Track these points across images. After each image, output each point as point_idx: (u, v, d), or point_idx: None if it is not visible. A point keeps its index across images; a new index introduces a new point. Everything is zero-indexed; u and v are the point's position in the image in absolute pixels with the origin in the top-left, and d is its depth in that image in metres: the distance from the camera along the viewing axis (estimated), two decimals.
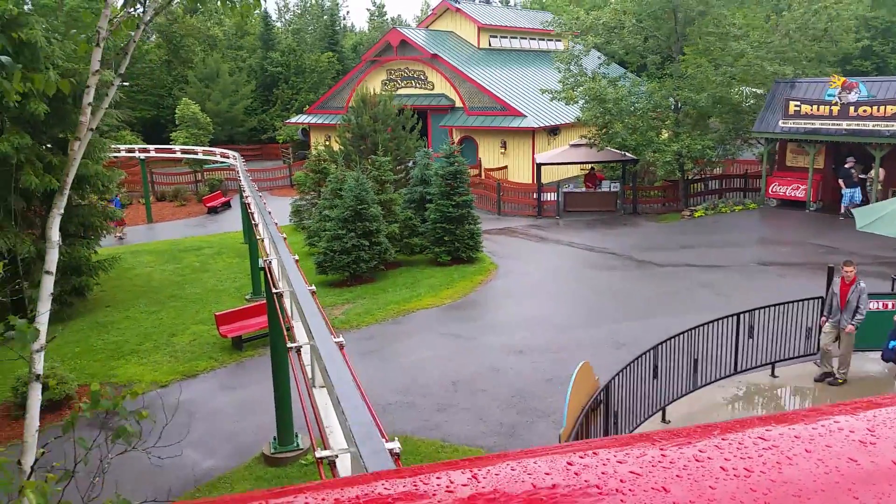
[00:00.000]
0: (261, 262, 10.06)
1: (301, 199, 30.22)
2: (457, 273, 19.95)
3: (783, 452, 0.89)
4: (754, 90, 29.81)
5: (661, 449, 0.88)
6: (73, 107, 18.64)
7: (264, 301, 15.59)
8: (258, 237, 12.68)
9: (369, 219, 19.48)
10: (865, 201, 22.88)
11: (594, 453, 0.87)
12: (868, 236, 21.38)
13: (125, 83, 56.84)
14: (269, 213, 13.34)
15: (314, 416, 4.64)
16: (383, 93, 28.72)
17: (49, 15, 50.17)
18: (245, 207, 19.12)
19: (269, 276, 9.93)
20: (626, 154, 28.40)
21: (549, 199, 30.43)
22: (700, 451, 0.88)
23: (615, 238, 23.98)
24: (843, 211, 23.16)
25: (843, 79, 23.12)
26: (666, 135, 28.20)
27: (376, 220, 19.62)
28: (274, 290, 9.20)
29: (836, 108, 23.00)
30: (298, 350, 6.01)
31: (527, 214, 30.39)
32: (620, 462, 0.84)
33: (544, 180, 30.38)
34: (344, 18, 77.82)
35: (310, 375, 5.41)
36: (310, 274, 19.77)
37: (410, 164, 27.96)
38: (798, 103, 24.11)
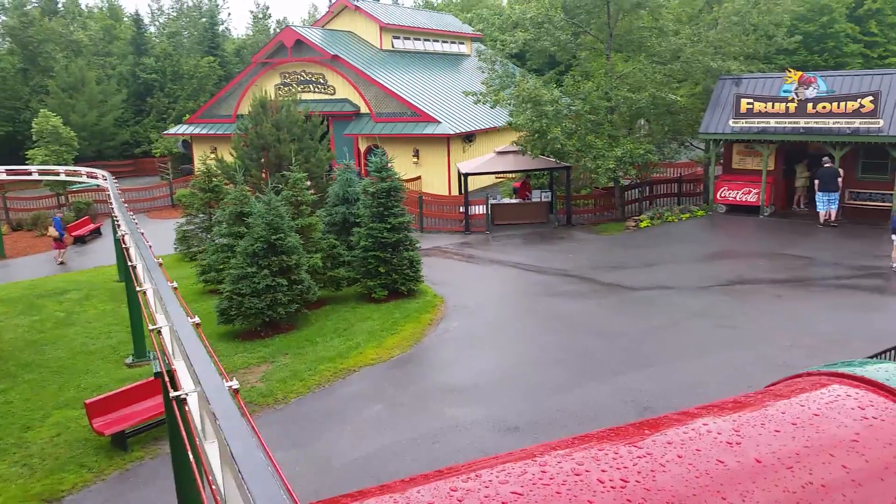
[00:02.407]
0: (156, 366, 6.28)
1: (188, 223, 25.67)
2: (398, 311, 16.39)
3: (657, 460, 0.92)
4: (689, 89, 28.08)
5: (542, 466, 0.89)
6: None
7: (155, 378, 11.53)
8: (137, 287, 8.97)
9: (286, 251, 15.60)
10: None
11: (476, 475, 0.86)
12: (844, 244, 19.70)
13: None
14: (151, 247, 9.46)
15: None
16: (286, 97, 24.69)
17: None
18: (119, 243, 14.85)
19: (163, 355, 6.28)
20: (559, 161, 25.81)
21: (476, 211, 27.42)
22: (578, 465, 0.89)
23: (562, 256, 21.17)
24: (825, 219, 21.28)
25: (801, 73, 21.41)
26: (597, 139, 25.82)
27: (295, 253, 15.76)
28: (172, 393, 5.53)
29: (792, 106, 21.22)
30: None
31: (453, 230, 27.24)
32: (503, 483, 0.84)
33: (458, 190, 27.34)
34: (224, 22, 72.23)
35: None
36: (209, 323, 15.68)
37: (322, 178, 24.16)
38: (750, 101, 22.24)
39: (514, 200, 28.35)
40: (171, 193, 36.74)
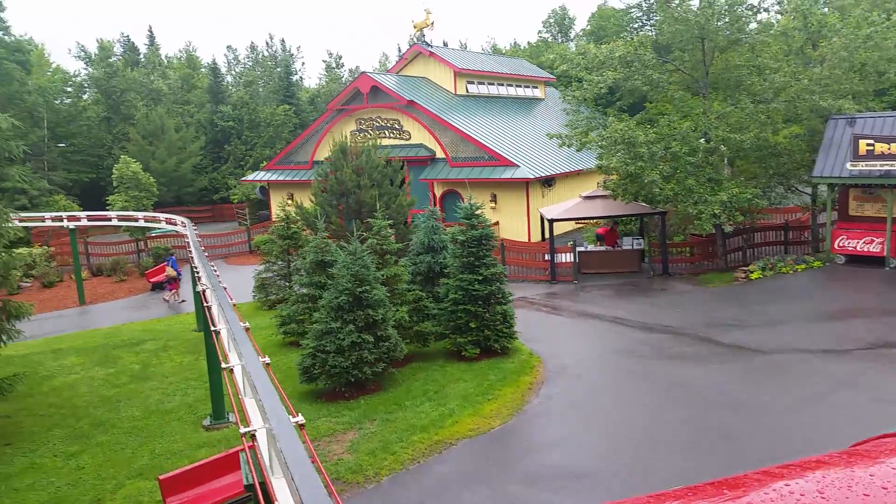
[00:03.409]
0: (246, 476, 4.99)
1: (266, 271, 24.95)
2: (493, 372, 14.89)
3: None
4: (790, 130, 26.08)
5: None
6: None
7: (237, 448, 10.34)
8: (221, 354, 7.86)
9: (372, 304, 14.39)
10: None
11: None
12: None
13: (60, 144, 50.97)
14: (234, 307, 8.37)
15: None
16: (367, 142, 23.91)
17: None
18: (199, 296, 13.97)
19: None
20: (655, 207, 24.11)
21: (562, 259, 25.86)
22: None
23: (667, 310, 19.34)
24: None
25: None
26: (694, 182, 24.03)
27: (381, 306, 14.53)
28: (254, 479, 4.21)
29: None
30: None
31: (537, 279, 25.71)
32: None
33: (538, 237, 25.80)
34: (298, 71, 73.66)
35: None
36: (290, 380, 14.52)
37: (403, 225, 23.13)
38: (870, 142, 20.21)
39: (601, 248, 26.67)
40: (249, 239, 36.48)
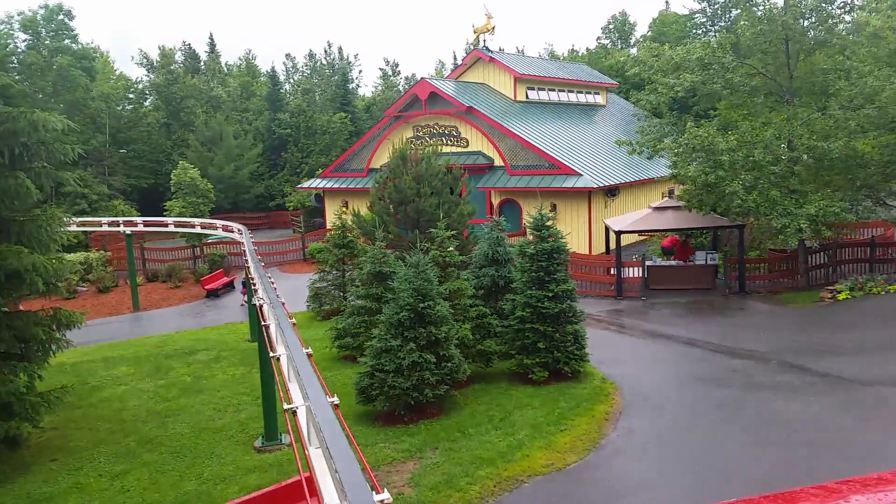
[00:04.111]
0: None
1: (321, 280, 24.26)
2: (563, 399, 13.70)
3: None
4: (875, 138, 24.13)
5: None
6: (9, 169, 12.88)
7: (294, 479, 9.42)
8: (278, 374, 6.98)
9: (435, 321, 13.38)
10: None
11: None
12: None
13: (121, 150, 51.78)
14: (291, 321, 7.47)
15: None
16: (425, 149, 23.01)
17: (35, 75, 45.37)
18: (254, 309, 13.22)
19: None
20: (734, 219, 22.55)
21: (628, 274, 24.45)
22: None
23: (749, 332, 17.82)
24: None
25: None
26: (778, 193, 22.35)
27: (445, 323, 13.51)
28: None
29: None
30: None
31: (601, 295, 24.38)
32: None
33: (599, 249, 24.41)
34: (356, 79, 73.46)
35: None
36: (346, 398, 13.57)
37: (462, 236, 22.10)
38: None
39: (671, 262, 25.15)
40: (304, 247, 36.02)
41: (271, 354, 7.94)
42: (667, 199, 25.51)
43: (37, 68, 44.55)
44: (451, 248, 15.39)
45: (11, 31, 46.17)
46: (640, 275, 24.00)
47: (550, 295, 14.43)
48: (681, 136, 21.96)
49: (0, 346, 12.48)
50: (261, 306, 10.51)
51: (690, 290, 23.80)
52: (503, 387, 14.80)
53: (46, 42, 46.51)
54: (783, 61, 22.53)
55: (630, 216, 26.11)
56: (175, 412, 15.28)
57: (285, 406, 5.93)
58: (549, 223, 15.17)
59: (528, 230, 16.04)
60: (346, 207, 38.35)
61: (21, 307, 13.95)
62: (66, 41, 46.89)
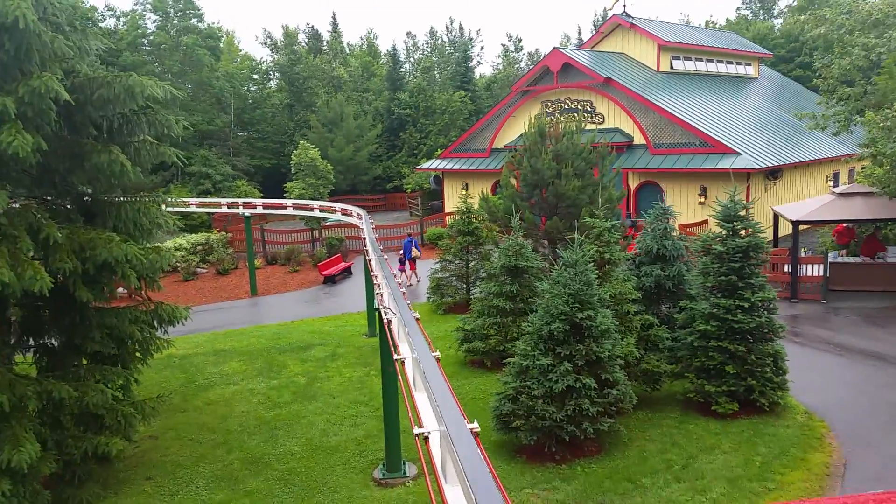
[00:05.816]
0: None
1: (442, 270, 21.97)
2: (760, 441, 10.60)
3: None
4: None
5: None
6: (104, 143, 11.19)
7: None
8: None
9: (595, 336, 10.60)
10: None
11: None
12: None
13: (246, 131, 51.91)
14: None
15: None
16: (569, 125, 20.04)
17: (164, 55, 45.80)
18: (373, 300, 11.04)
19: None
20: None
21: (806, 272, 20.59)
22: None
23: None
24: None
25: None
26: None
27: (607, 338, 10.71)
28: None
29: None
30: None
31: None
32: None
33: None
34: (477, 56, 70.85)
35: None
36: (475, 416, 11.03)
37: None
38: None
39: (857, 259, 21.03)
40: (422, 231, 33.98)
41: (395, 356, 7.04)
42: (836, 183, 21.26)
43: (165, 48, 44.94)
44: (613, 242, 12.48)
45: (144, 13, 46.82)
46: (822, 273, 20.10)
47: (746, 305, 11.27)
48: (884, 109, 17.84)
49: (90, 347, 10.86)
50: (389, 321, 8.21)
51: (879, 292, 19.72)
52: (676, 417, 11.84)
53: (174, 21, 46.84)
54: None
55: (809, 203, 22.07)
56: (286, 422, 13.38)
57: (415, 430, 5.20)
58: (742, 213, 11.93)
59: (711, 221, 12.91)
60: (466, 190, 35.96)
61: (115, 302, 12.37)
62: (193, 20, 47.05)
